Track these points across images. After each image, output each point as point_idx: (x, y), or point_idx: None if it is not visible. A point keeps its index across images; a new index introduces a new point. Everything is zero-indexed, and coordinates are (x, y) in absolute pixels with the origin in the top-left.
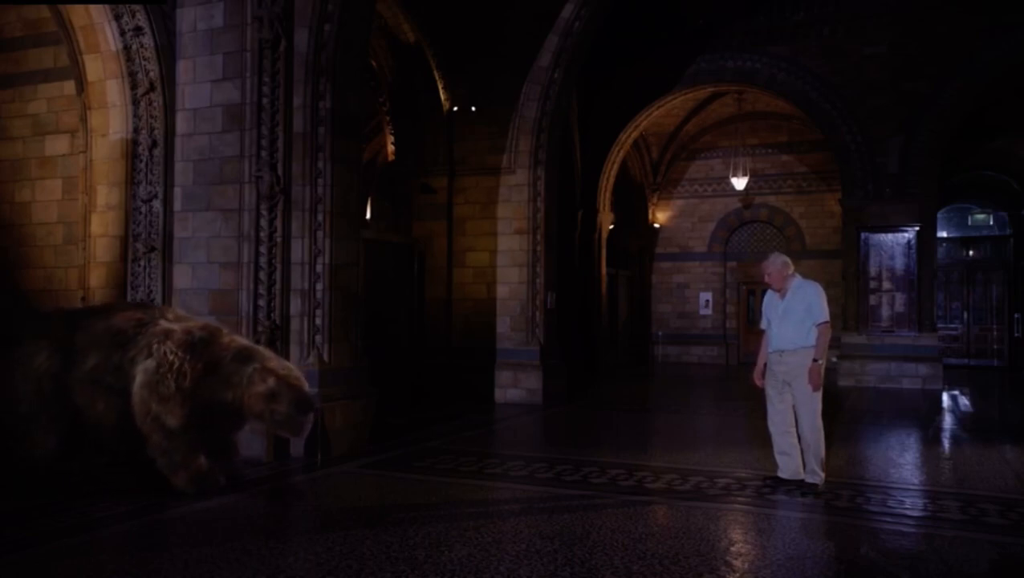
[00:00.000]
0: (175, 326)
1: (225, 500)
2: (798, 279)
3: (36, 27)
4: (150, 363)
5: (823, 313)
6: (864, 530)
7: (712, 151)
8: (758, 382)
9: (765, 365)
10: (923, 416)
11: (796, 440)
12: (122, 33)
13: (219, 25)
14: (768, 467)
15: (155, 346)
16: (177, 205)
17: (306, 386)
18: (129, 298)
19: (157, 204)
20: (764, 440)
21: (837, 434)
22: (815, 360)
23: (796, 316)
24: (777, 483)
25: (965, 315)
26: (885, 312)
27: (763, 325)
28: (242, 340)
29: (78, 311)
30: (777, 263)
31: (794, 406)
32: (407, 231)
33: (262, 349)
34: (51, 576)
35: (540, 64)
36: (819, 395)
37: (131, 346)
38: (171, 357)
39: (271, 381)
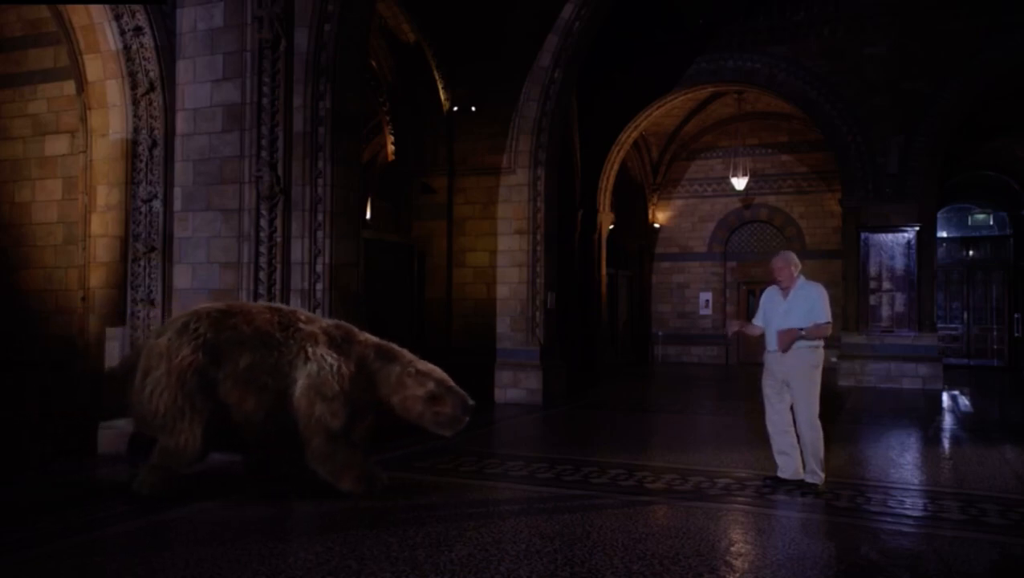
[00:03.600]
0: (313, 328)
1: (226, 500)
2: (803, 279)
3: (36, 27)
4: (312, 366)
5: (825, 314)
6: (864, 530)
7: (712, 151)
8: (733, 326)
9: (766, 357)
10: (923, 416)
11: (795, 440)
12: (122, 33)
13: (219, 25)
14: (768, 467)
15: (309, 349)
16: (177, 205)
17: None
18: (129, 299)
19: (157, 204)
20: (764, 440)
21: (837, 434)
22: (800, 330)
23: (798, 316)
24: (777, 483)
25: (965, 315)
26: (885, 312)
27: (756, 320)
28: (373, 337)
29: (211, 311)
30: (786, 259)
31: (792, 405)
32: (407, 231)
33: (396, 346)
34: (52, 576)
35: (540, 64)
36: (816, 393)
37: (284, 349)
38: (329, 359)
39: (431, 384)
